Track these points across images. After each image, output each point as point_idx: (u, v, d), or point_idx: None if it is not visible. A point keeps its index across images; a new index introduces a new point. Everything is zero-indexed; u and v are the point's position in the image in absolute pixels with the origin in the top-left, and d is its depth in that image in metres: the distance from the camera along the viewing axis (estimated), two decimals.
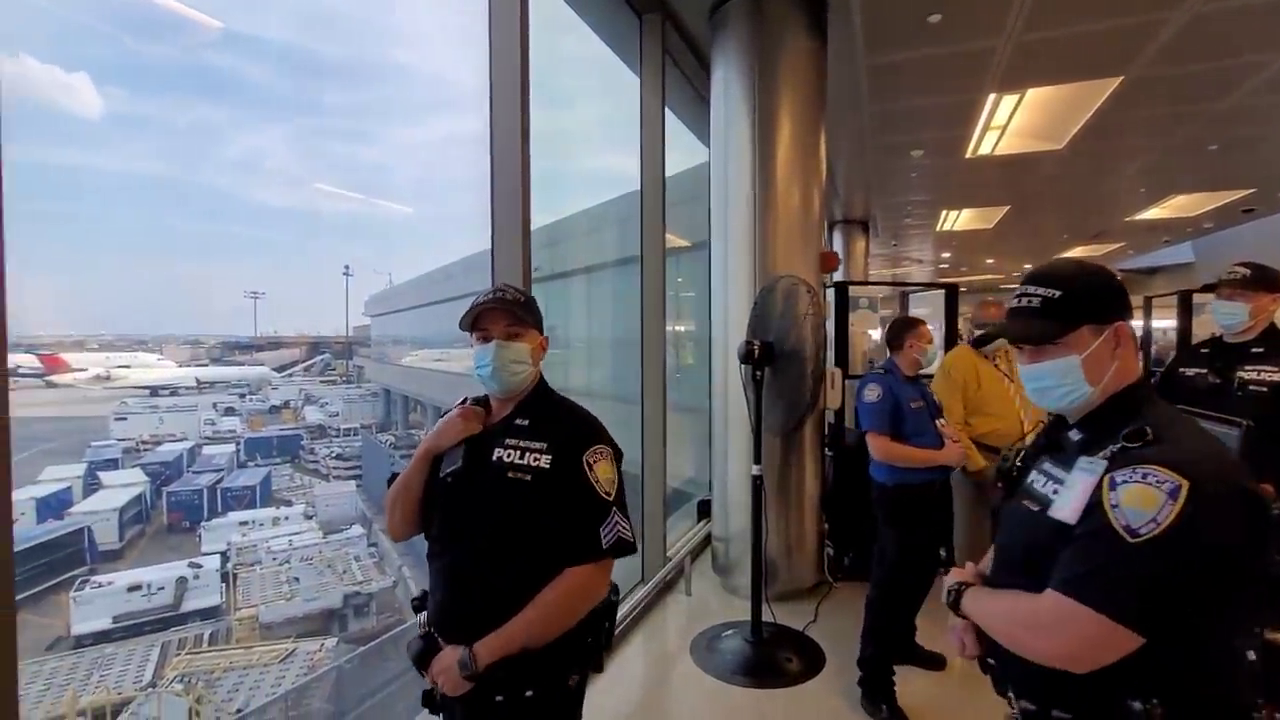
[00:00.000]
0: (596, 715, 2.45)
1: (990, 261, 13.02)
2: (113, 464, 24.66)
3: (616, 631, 2.95)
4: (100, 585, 15.20)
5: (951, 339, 3.33)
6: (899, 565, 2.47)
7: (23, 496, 19.25)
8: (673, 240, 4.16)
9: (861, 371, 5.52)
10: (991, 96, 4.27)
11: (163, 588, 15.31)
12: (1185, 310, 5.08)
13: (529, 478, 1.21)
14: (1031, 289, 1.04)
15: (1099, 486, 0.89)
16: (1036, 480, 1.04)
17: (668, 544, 3.76)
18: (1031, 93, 4.30)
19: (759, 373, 2.82)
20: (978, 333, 2.89)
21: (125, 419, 29.90)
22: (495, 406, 1.36)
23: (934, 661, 2.69)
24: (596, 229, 4.92)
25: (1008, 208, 7.69)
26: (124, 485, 21.86)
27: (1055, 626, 0.88)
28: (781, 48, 3.35)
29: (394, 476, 1.36)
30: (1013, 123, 4.80)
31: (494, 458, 1.25)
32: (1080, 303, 1.00)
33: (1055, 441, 1.07)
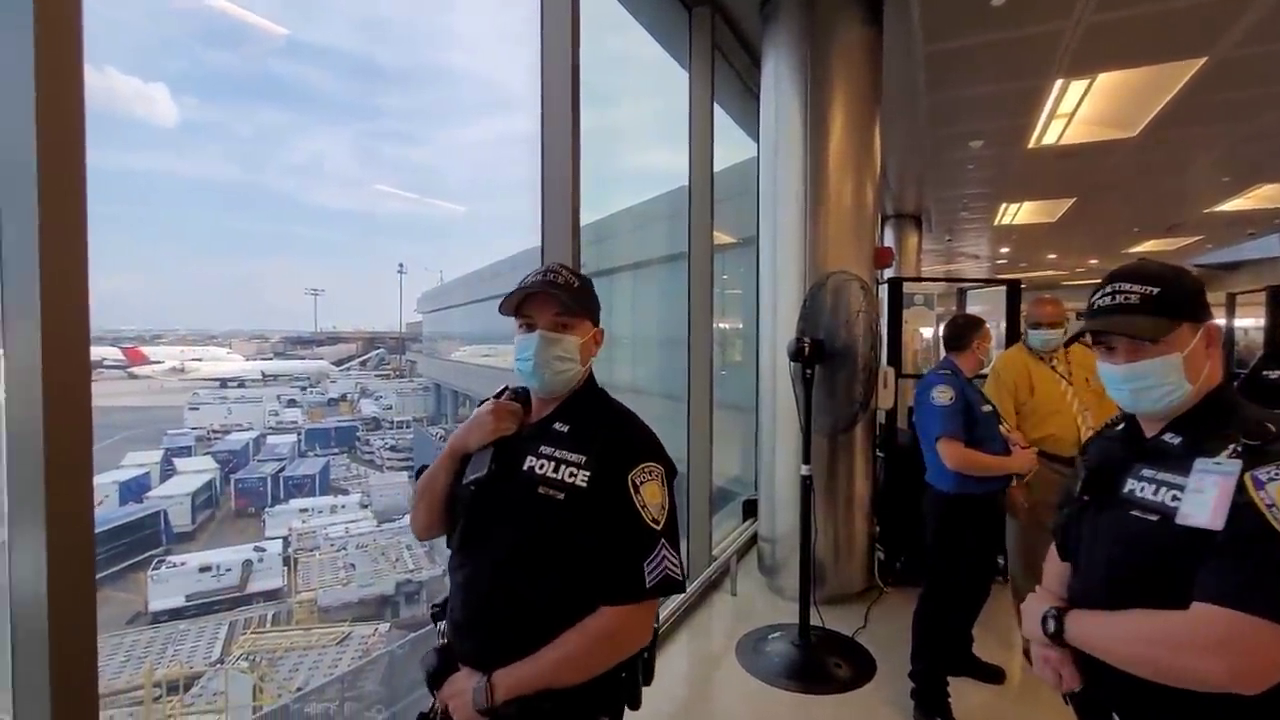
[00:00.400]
0: (639, 713, 2.46)
1: (1052, 257, 12.41)
2: (186, 451, 26.22)
3: (662, 629, 2.95)
4: (175, 565, 16.19)
5: (1014, 339, 3.16)
6: (952, 576, 2.37)
7: (106, 480, 20.71)
8: (719, 237, 4.12)
9: (915, 371, 5.34)
10: (1058, 83, 4.06)
11: (230, 569, 16.19)
12: (1276, 306, 4.67)
13: (561, 496, 1.03)
14: (1126, 286, 0.99)
15: (1241, 487, 0.82)
16: (1139, 488, 0.96)
17: (713, 542, 3.73)
18: (1102, 78, 4.06)
19: (809, 371, 2.76)
20: (1031, 332, 2.73)
21: (197, 409, 31.75)
22: (536, 404, 1.17)
23: (993, 674, 2.58)
24: (643, 225, 4.92)
25: (1073, 200, 7.31)
26: (196, 471, 23.23)
27: (1223, 645, 0.79)
28: (835, 38, 3.27)
29: (423, 469, 1.22)
30: (1081, 110, 4.55)
31: (525, 466, 1.07)
32: (1180, 300, 0.96)
33: (1149, 448, 1.00)
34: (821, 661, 2.76)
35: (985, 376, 2.73)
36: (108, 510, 19.39)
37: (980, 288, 5.78)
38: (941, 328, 2.71)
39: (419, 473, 1.22)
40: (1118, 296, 0.99)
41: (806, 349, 2.73)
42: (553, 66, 2.26)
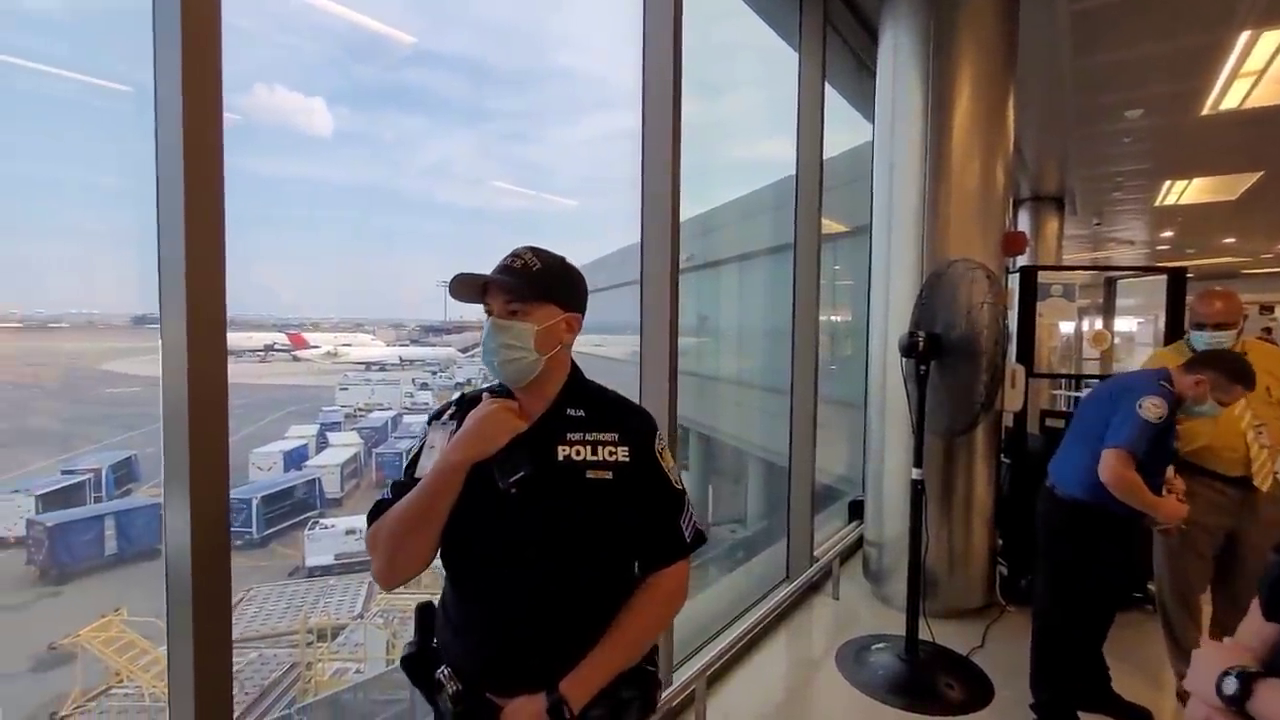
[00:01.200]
0: (736, 712, 2.44)
1: (1230, 241, 10.63)
2: (336, 426, 29.32)
3: (761, 626, 2.90)
4: (327, 527, 18.24)
5: (1176, 338, 2.71)
6: (1073, 593, 2.11)
7: (274, 449, 23.73)
8: (830, 225, 3.94)
9: (1049, 370, 4.82)
10: (1244, 35, 3.45)
11: None
12: None
13: (610, 475, 1.04)
14: None
15: None
16: None
17: (815, 543, 3.60)
18: None
19: (923, 367, 2.57)
20: (1194, 332, 2.32)
21: (346, 389, 35.39)
22: (521, 400, 1.09)
23: (1136, 715, 2.28)
24: (750, 216, 4.81)
25: (1260, 174, 6.20)
26: (345, 445, 25.93)
27: None
28: (962, 2, 3.00)
29: (382, 505, 1.08)
30: (1274, 67, 3.85)
31: (560, 457, 1.04)
32: None
33: None
34: (931, 679, 2.58)
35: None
36: (275, 475, 22.22)
37: (1132, 277, 5.07)
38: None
39: (377, 512, 1.07)
40: None
41: (921, 343, 2.54)
42: (654, 58, 2.25)
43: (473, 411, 1.06)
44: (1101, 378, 3.85)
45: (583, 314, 1.12)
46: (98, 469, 20.37)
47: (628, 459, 1.05)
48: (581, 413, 1.09)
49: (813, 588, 3.42)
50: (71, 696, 11.20)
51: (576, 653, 1.01)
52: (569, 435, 1.06)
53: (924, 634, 2.70)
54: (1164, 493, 2.06)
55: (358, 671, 10.91)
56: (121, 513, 17.26)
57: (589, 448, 1.05)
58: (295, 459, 23.90)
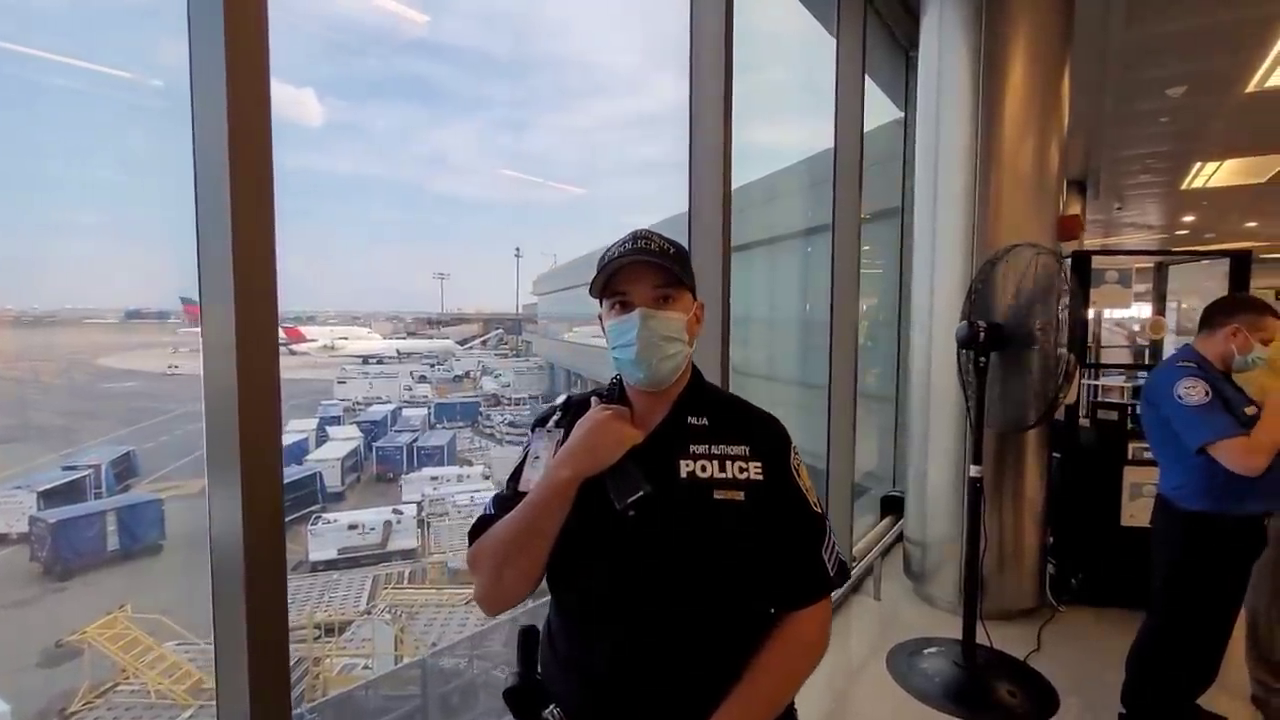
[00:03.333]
0: None
1: (1252, 225, 10.47)
2: (336, 420, 29.18)
3: None
4: (329, 522, 18.15)
5: None
6: (1188, 613, 1.98)
7: None
8: None
9: (1097, 361, 4.68)
10: None
11: (374, 528, 17.90)
12: None
13: (742, 496, 0.89)
14: None
15: None
16: None
17: (853, 540, 3.47)
18: None
19: (983, 359, 2.42)
20: None
21: (345, 383, 35.22)
22: (638, 404, 0.96)
23: None
24: (775, 198, 4.64)
25: None
26: (345, 439, 25.81)
27: None
28: None
29: (485, 521, 0.95)
30: None
31: (683, 474, 0.90)
32: None
33: None
34: (990, 686, 2.45)
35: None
36: None
37: (1190, 261, 4.91)
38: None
39: (482, 527, 0.94)
40: None
41: (981, 334, 2.39)
42: (704, 32, 2.10)
43: (581, 420, 0.92)
44: (1149, 367, 3.71)
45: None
46: (98, 464, 20.24)
47: (761, 476, 0.90)
48: (705, 421, 0.94)
49: (853, 588, 3.29)
50: (80, 693, 11.14)
51: (702, 701, 0.87)
52: (693, 448, 0.92)
53: (980, 637, 2.57)
54: None
55: (366, 667, 10.82)
56: (124, 508, 17.15)
57: (716, 463, 0.91)
58: (295, 453, 23.74)
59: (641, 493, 0.87)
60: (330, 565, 17.29)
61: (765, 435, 0.95)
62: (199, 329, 1.03)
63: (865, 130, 4.22)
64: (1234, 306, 1.96)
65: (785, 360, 4.24)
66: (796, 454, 0.96)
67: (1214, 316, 1.96)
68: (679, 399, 0.96)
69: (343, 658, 11.45)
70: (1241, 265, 2.89)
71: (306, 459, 23.57)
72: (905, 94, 4.12)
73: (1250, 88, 4.31)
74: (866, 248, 4.82)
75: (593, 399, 0.97)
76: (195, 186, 1.05)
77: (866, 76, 4.19)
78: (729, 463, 0.91)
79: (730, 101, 2.08)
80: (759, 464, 0.91)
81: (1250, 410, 1.87)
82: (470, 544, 0.94)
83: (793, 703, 0.97)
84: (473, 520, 0.96)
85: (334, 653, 11.52)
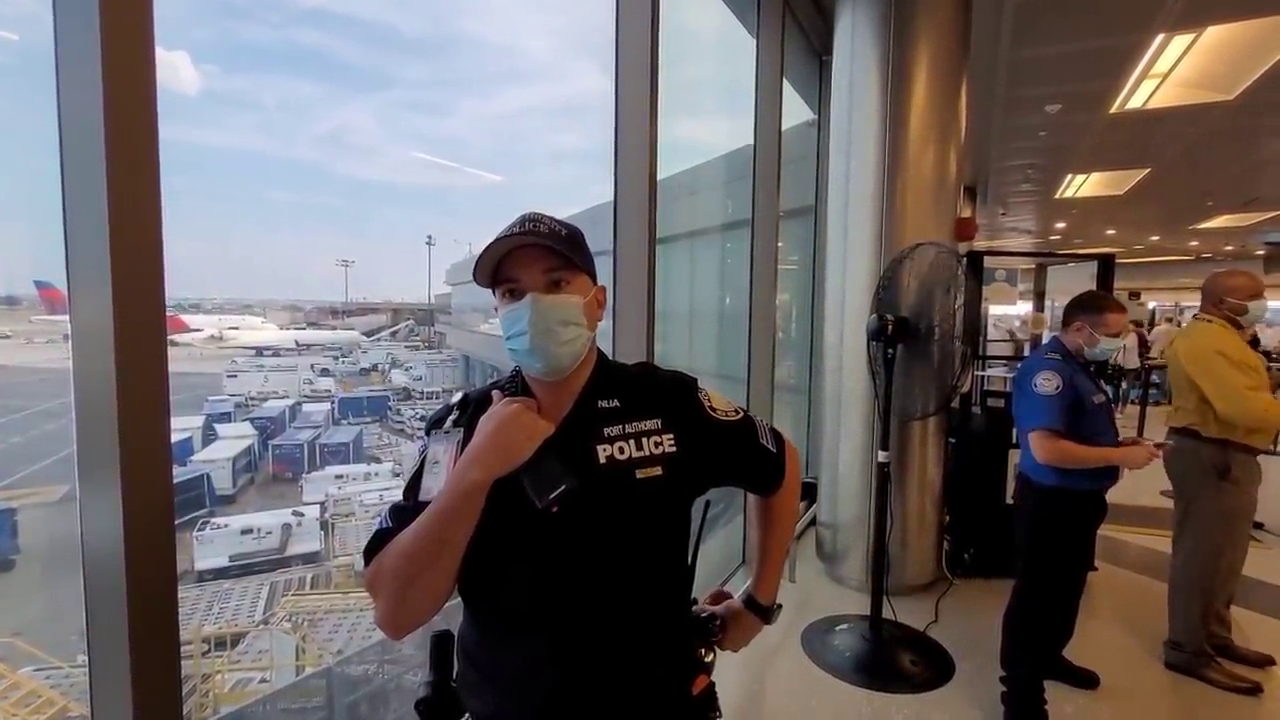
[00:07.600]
0: None
1: (1111, 232, 11.79)
2: (226, 417, 26.96)
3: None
4: (219, 527, 16.74)
5: None
6: (1051, 575, 2.21)
7: None
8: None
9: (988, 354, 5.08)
10: (1159, 38, 3.70)
11: (271, 532, 16.68)
12: None
13: (660, 470, 0.87)
14: None
15: None
16: None
17: None
18: (1210, 32, 3.69)
19: (891, 351, 2.57)
20: (1251, 304, 2.35)
21: (235, 376, 32.55)
22: (542, 396, 0.90)
23: (1085, 679, 2.42)
24: (692, 194, 4.70)
25: (1148, 170, 6.84)
26: (236, 437, 23.88)
27: None
28: None
29: (382, 536, 0.86)
30: (1177, 70, 4.17)
31: (601, 460, 0.87)
32: None
33: None
34: (895, 658, 2.62)
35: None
36: None
37: (1067, 263, 5.43)
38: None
39: (378, 544, 0.85)
40: None
41: (890, 327, 2.54)
42: (630, 22, 2.07)
43: (485, 416, 0.85)
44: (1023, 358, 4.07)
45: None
46: None
47: (675, 448, 0.89)
48: (616, 403, 0.91)
49: None
50: None
51: (655, 672, 0.91)
52: (606, 430, 0.88)
53: (885, 612, 2.74)
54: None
55: (264, 680, 10.10)
56: None
57: (633, 442, 0.88)
58: (179, 454, 21.71)
59: (564, 487, 0.82)
60: (220, 574, 15.96)
61: (673, 400, 0.94)
62: (65, 317, 0.92)
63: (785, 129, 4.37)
64: (1077, 305, 2.20)
65: (705, 353, 4.32)
66: (702, 390, 0.97)
67: (1066, 313, 2.22)
68: (586, 385, 0.92)
69: (236, 672, 10.63)
70: (1106, 267, 3.24)
71: (191, 459, 21.60)
72: (819, 96, 4.28)
73: (1114, 109, 4.82)
74: (781, 244, 5.00)
75: (494, 393, 0.91)
76: (61, 156, 0.91)
77: (786, 80, 4.34)
78: (645, 439, 0.89)
79: (656, 94, 2.07)
80: (671, 435, 0.90)
81: (1098, 399, 2.13)
82: (367, 563, 0.85)
83: (712, 683, 1.01)
84: (379, 522, 0.89)
85: (226, 668, 10.67)
